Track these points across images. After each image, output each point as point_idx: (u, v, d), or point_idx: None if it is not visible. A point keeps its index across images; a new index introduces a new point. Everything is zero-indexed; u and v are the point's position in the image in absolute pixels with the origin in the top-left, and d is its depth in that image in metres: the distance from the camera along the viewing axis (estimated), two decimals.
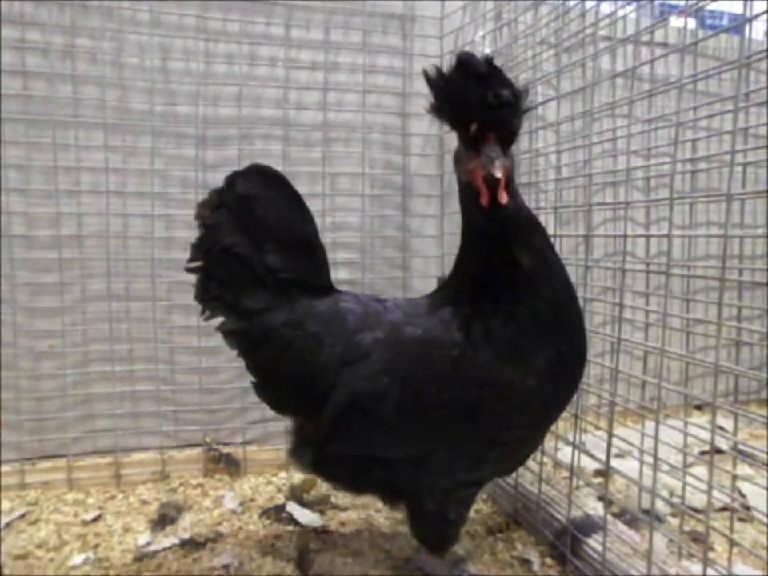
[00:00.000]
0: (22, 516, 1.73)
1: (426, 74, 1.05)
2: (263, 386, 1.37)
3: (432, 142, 2.20)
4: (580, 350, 1.22)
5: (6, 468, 1.87)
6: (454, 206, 2.13)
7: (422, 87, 2.20)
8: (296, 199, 1.38)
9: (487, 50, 1.90)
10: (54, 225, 1.88)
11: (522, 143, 1.88)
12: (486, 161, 1.02)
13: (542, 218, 1.97)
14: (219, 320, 1.37)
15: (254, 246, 1.32)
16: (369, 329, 1.26)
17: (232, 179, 1.34)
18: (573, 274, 1.98)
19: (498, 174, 1.01)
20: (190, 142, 1.96)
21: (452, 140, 2.14)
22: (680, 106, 1.16)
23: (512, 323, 1.14)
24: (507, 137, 1.05)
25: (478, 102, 0.99)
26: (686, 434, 1.55)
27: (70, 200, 1.90)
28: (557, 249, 1.67)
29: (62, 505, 1.81)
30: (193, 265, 1.35)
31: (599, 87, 1.45)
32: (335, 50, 2.06)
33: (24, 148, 1.85)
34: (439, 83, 1.04)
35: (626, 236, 1.40)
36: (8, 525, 1.68)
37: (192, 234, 1.89)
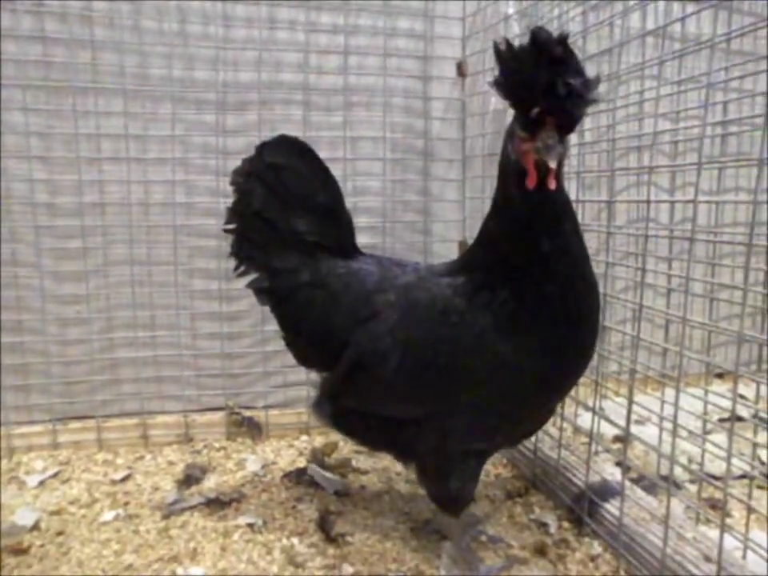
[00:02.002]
0: (55, 474, 1.79)
1: (495, 47, 1.00)
2: (290, 340, 1.48)
3: (454, 106, 2.16)
4: (585, 341, 1.21)
5: (38, 428, 1.93)
6: (476, 170, 2.14)
7: (444, 50, 2.18)
8: (321, 168, 1.45)
9: (511, 10, 1.84)
10: (76, 192, 1.90)
11: None
12: (542, 147, 1.00)
13: (565, 183, 1.97)
14: (250, 278, 1.47)
15: (282, 211, 1.42)
16: (382, 291, 1.33)
17: (261, 149, 1.43)
18: (595, 239, 1.97)
19: (553, 164, 0.99)
20: (210, 107, 1.95)
21: (473, 104, 2.12)
22: (711, 66, 1.13)
23: (516, 299, 1.15)
24: (567, 125, 1.01)
25: (545, 87, 0.95)
26: (706, 402, 1.55)
27: (91, 167, 1.91)
28: (579, 215, 1.67)
29: (93, 464, 1.87)
30: (228, 227, 1.46)
31: (627, 47, 1.41)
32: (355, 12, 2.02)
33: (45, 115, 1.86)
34: (508, 59, 0.99)
35: (648, 202, 1.37)
36: (42, 483, 1.75)
37: (213, 199, 1.91)
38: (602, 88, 1.02)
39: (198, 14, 1.92)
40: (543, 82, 0.94)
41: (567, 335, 1.16)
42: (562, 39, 0.95)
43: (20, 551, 1.41)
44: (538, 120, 0.99)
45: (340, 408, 1.37)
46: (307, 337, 1.43)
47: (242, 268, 1.46)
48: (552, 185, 1.05)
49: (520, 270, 1.14)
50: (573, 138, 1.74)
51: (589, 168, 1.72)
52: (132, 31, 1.88)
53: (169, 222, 1.96)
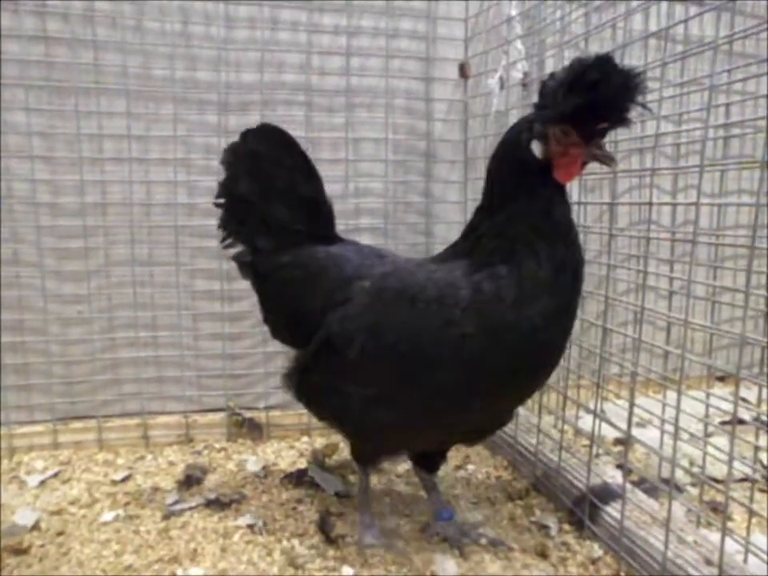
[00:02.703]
0: (56, 474, 1.79)
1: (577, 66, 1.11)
2: (267, 316, 1.57)
3: (456, 107, 2.16)
4: (545, 342, 1.22)
5: (39, 428, 1.93)
6: (478, 171, 2.13)
7: (446, 52, 2.19)
8: (302, 158, 1.51)
9: (513, 11, 1.84)
10: (78, 192, 1.90)
11: None
12: (599, 152, 1.16)
13: (566, 186, 1.97)
14: (236, 250, 1.58)
15: (264, 198, 1.50)
16: (359, 278, 1.39)
17: (244, 135, 1.50)
18: (597, 242, 1.97)
19: (612, 166, 1.20)
20: (212, 108, 1.95)
21: (476, 106, 2.12)
22: (714, 68, 1.12)
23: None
24: (604, 133, 1.17)
25: (619, 107, 1.10)
26: (707, 405, 1.54)
27: (94, 168, 1.91)
28: (581, 217, 1.66)
29: (93, 464, 1.87)
30: (218, 201, 1.54)
31: (630, 49, 1.40)
32: (358, 13, 2.02)
33: (47, 115, 1.86)
34: (605, 81, 1.08)
35: (650, 204, 1.37)
36: (42, 483, 1.75)
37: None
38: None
39: (200, 15, 1.92)
40: (620, 103, 1.09)
41: (530, 336, 1.18)
42: (639, 71, 1.08)
43: (20, 551, 1.41)
44: (595, 131, 1.14)
45: (303, 381, 1.47)
46: (283, 315, 1.53)
47: (229, 240, 1.56)
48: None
49: (503, 259, 1.20)
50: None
51: (590, 170, 1.72)
52: (134, 31, 1.88)
53: (171, 223, 1.96)
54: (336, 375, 1.39)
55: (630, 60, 1.43)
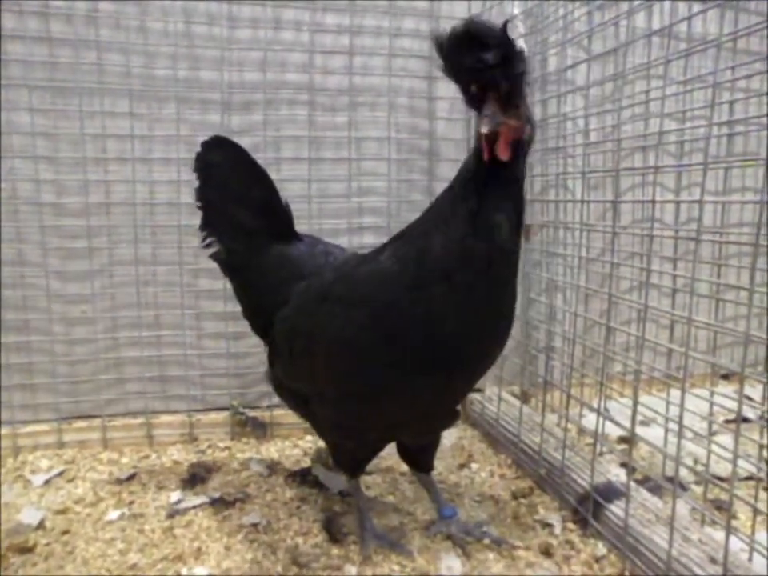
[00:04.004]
0: (60, 473, 1.80)
1: (434, 40, 1.06)
2: (242, 311, 1.69)
3: (459, 105, 2.15)
4: (464, 344, 1.17)
5: (43, 427, 1.94)
6: None
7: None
8: (251, 165, 1.60)
9: (516, 10, 1.84)
10: (82, 192, 1.90)
11: (550, 108, 1.84)
12: (480, 119, 1.06)
13: (569, 183, 1.97)
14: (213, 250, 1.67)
15: (224, 203, 1.61)
16: (300, 277, 1.44)
17: (203, 146, 1.62)
18: (600, 239, 1.97)
19: (483, 130, 1.04)
20: (215, 107, 1.96)
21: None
22: (718, 65, 1.12)
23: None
24: (507, 97, 1.06)
25: (468, 65, 1.03)
26: (711, 403, 1.54)
27: (97, 168, 1.92)
28: (584, 215, 1.66)
29: (98, 464, 1.87)
30: (197, 204, 1.65)
31: (633, 47, 1.40)
32: (360, 12, 2.02)
33: (52, 116, 1.86)
34: (441, 48, 1.06)
35: (654, 202, 1.37)
36: (47, 482, 1.75)
37: None
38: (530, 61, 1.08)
39: (203, 15, 1.92)
40: (470, 61, 1.01)
41: (439, 339, 1.15)
42: (472, 21, 1.03)
43: (25, 550, 1.42)
44: (481, 98, 1.06)
45: (273, 377, 1.55)
46: (249, 312, 1.66)
47: (207, 241, 1.66)
48: (502, 154, 1.09)
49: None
50: (578, 139, 1.75)
51: (594, 168, 1.72)
52: (137, 32, 1.88)
53: (174, 222, 1.96)
54: (284, 374, 1.48)
55: (634, 58, 1.43)
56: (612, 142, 1.49)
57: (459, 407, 1.46)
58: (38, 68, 1.83)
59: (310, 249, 1.57)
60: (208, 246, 1.66)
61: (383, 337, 1.17)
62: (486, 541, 1.46)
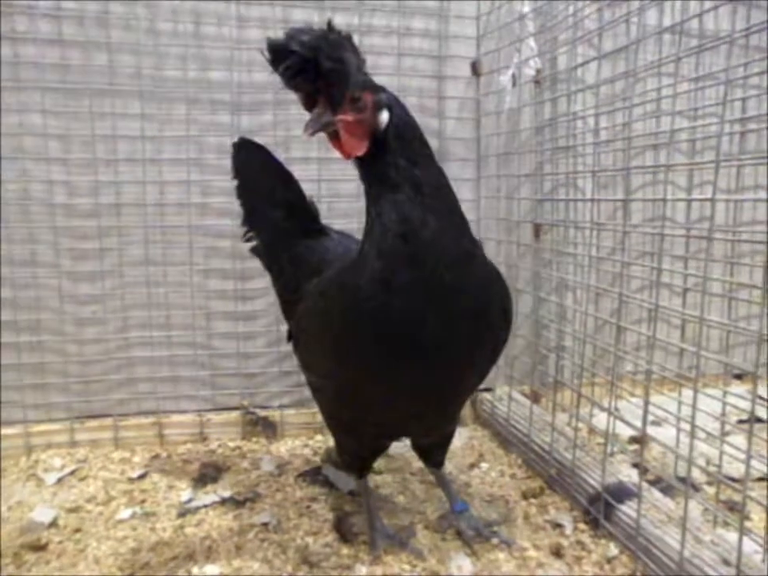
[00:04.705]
0: (73, 472, 1.81)
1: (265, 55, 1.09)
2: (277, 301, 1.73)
3: (468, 105, 2.16)
4: (436, 339, 1.12)
5: (56, 426, 1.95)
6: (491, 169, 2.13)
7: (459, 49, 2.18)
8: (277, 167, 1.65)
9: (526, 9, 1.84)
10: (93, 193, 1.92)
11: (560, 106, 1.83)
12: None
13: (579, 182, 1.96)
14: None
15: (255, 202, 1.67)
16: (318, 273, 1.44)
17: (233, 147, 1.67)
18: (610, 239, 1.96)
19: (303, 135, 1.09)
20: (225, 108, 1.96)
21: (488, 103, 2.11)
22: (730, 62, 1.11)
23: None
24: (333, 94, 1.08)
25: (285, 77, 1.06)
26: (724, 403, 1.53)
27: (108, 168, 1.93)
28: (594, 213, 1.65)
29: (109, 462, 1.89)
30: (238, 201, 1.70)
31: (644, 44, 1.39)
32: (369, 12, 2.02)
33: (64, 118, 1.88)
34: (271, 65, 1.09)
35: (665, 200, 1.36)
36: (60, 480, 1.77)
37: (228, 199, 1.95)
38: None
39: (212, 16, 1.93)
40: (280, 75, 1.06)
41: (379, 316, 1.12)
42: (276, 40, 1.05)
43: (38, 548, 1.43)
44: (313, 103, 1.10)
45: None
46: (282, 307, 1.68)
47: (247, 236, 1.73)
48: (354, 150, 1.11)
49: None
50: (588, 137, 1.74)
51: (604, 167, 1.71)
52: (148, 33, 1.89)
53: (184, 223, 1.97)
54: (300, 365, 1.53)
55: (645, 55, 1.42)
56: (623, 140, 1.48)
57: (455, 413, 1.45)
58: (49, 70, 1.85)
59: (333, 245, 1.59)
60: (248, 240, 1.74)
61: (345, 337, 1.19)
62: (494, 541, 1.45)
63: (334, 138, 1.12)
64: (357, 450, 1.45)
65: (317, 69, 1.04)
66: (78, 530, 1.51)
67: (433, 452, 1.53)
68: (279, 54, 1.04)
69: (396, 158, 1.12)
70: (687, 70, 1.46)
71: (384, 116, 1.12)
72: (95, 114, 1.87)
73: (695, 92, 1.47)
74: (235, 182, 1.68)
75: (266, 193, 1.65)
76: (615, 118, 1.65)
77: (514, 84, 1.94)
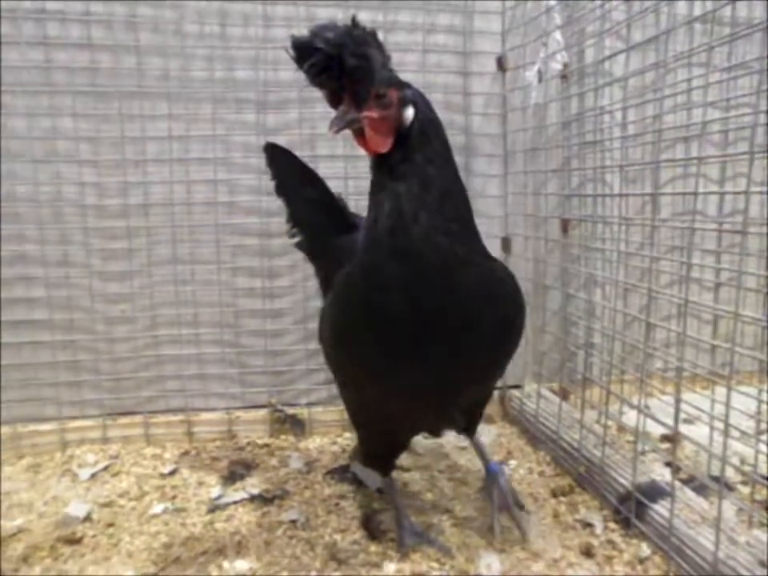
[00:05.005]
0: (106, 468, 1.84)
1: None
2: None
3: (494, 101, 2.14)
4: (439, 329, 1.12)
5: (89, 422, 1.99)
6: (518, 165, 2.12)
7: (484, 45, 2.16)
8: (301, 166, 1.68)
9: (552, 2, 1.81)
10: (122, 194, 1.95)
11: (587, 101, 1.81)
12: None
13: (607, 177, 1.93)
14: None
15: (290, 201, 1.71)
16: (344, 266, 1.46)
17: (264, 150, 1.70)
18: (639, 233, 1.93)
19: (328, 133, 1.08)
20: (251, 107, 1.98)
21: (514, 99, 2.10)
22: (764, 51, 1.08)
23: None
24: (358, 91, 1.08)
25: (310, 75, 1.07)
26: (759, 401, 1.49)
27: (137, 169, 1.95)
28: (622, 208, 1.63)
29: (141, 458, 1.91)
30: (280, 200, 1.73)
31: (674, 35, 1.36)
32: (394, 9, 2.02)
33: (94, 120, 1.91)
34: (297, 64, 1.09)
35: (696, 193, 1.33)
36: (93, 476, 1.80)
37: (254, 197, 1.96)
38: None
39: (238, 16, 1.95)
40: (305, 73, 1.06)
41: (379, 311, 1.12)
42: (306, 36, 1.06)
43: (73, 541, 1.46)
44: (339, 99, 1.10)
45: None
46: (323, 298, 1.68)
47: (291, 232, 1.76)
48: (378, 146, 1.12)
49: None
50: (616, 132, 1.71)
51: (633, 161, 1.68)
52: (175, 35, 1.91)
53: (211, 221, 1.99)
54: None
55: (675, 46, 1.39)
56: (652, 133, 1.45)
57: (477, 411, 1.47)
58: (80, 74, 1.88)
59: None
60: (293, 236, 1.77)
61: (340, 330, 1.24)
62: (515, 513, 1.47)
63: (359, 134, 1.12)
64: (376, 448, 1.45)
65: (341, 66, 1.04)
66: (111, 525, 1.54)
67: (468, 424, 1.53)
68: (304, 52, 1.04)
69: (414, 153, 1.12)
70: (719, 60, 1.43)
71: (409, 112, 1.12)
72: (124, 116, 1.90)
73: (728, 82, 1.45)
74: (273, 182, 1.71)
75: (297, 191, 1.68)
76: (644, 111, 1.62)
77: (540, 79, 1.92)
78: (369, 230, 1.15)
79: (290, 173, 1.69)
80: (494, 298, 1.17)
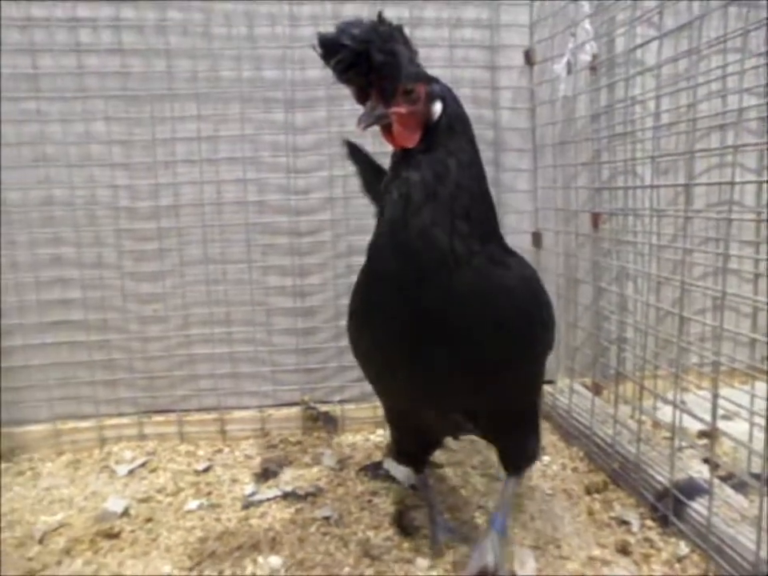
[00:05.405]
0: (143, 464, 1.88)
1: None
2: None
3: (523, 94, 2.12)
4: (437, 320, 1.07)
5: (125, 420, 2.03)
6: (547, 159, 2.09)
7: (510, 39, 2.13)
8: (372, 165, 1.63)
9: None
10: (153, 196, 1.98)
11: (618, 91, 1.78)
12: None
13: (638, 169, 1.90)
14: None
15: (365, 191, 1.69)
16: None
17: (347, 148, 1.69)
18: (672, 225, 1.89)
19: (356, 129, 1.06)
20: (279, 106, 1.99)
21: (542, 92, 2.07)
22: None
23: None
24: (385, 87, 1.06)
25: (337, 70, 1.04)
26: None
27: (167, 171, 1.98)
28: (654, 200, 1.59)
29: (176, 455, 1.95)
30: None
31: (708, 20, 1.33)
32: (420, 4, 2.01)
33: (125, 124, 1.94)
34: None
35: (732, 183, 1.30)
36: (131, 472, 1.84)
37: (284, 196, 1.96)
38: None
39: (265, 17, 1.96)
40: (334, 68, 1.03)
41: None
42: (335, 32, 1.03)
43: (112, 535, 1.49)
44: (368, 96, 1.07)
45: None
46: None
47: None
48: (406, 141, 1.10)
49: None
50: (647, 122, 1.68)
51: (666, 151, 1.65)
52: (203, 37, 1.94)
53: (241, 221, 2.01)
54: None
55: (709, 32, 1.36)
56: (686, 122, 1.42)
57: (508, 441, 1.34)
58: (111, 78, 1.92)
59: None
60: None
61: (358, 320, 1.21)
62: None
63: (387, 130, 1.11)
64: (406, 444, 1.44)
65: (368, 62, 1.03)
66: (149, 520, 1.57)
67: (501, 453, 1.38)
68: (331, 49, 1.03)
69: (437, 145, 1.10)
70: (756, 45, 1.39)
71: (437, 107, 1.11)
72: (155, 118, 1.93)
73: (765, 67, 1.40)
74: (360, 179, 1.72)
75: (367, 183, 1.68)
76: (678, 100, 1.59)
77: (569, 71, 1.89)
78: (377, 221, 1.14)
79: (361, 169, 1.69)
80: (488, 305, 1.08)
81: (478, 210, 1.11)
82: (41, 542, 1.49)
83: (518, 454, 1.36)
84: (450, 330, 1.07)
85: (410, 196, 1.07)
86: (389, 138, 1.12)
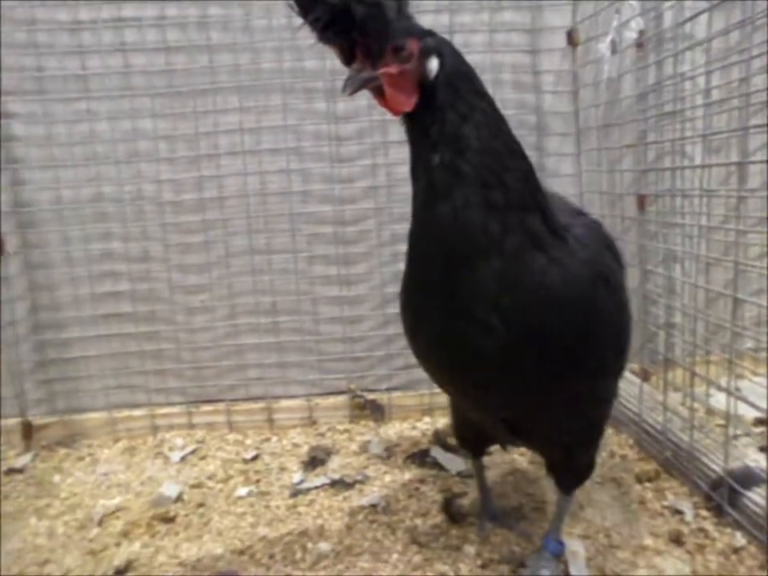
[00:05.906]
0: (193, 452, 1.93)
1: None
2: None
3: (565, 78, 2.07)
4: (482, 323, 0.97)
5: (175, 409, 2.09)
6: (591, 142, 2.05)
7: (552, 20, 2.09)
8: None
9: None
10: (197, 189, 2.01)
11: (666, 68, 1.72)
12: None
13: (687, 149, 1.83)
14: None
15: None
16: None
17: None
18: (722, 206, 1.81)
19: (343, 93, 0.97)
20: (320, 95, 2.00)
21: (585, 74, 2.02)
22: None
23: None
24: (370, 46, 0.94)
25: (317, 28, 0.93)
26: None
27: (210, 163, 2.01)
28: (704, 180, 1.53)
29: (225, 444, 1.99)
30: None
31: None
32: None
33: (170, 119, 1.98)
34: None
35: None
36: (183, 458, 1.89)
37: (328, 186, 1.96)
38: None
39: None
40: (311, 27, 0.92)
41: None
42: None
43: (168, 519, 1.54)
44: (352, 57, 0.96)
45: None
46: None
47: None
48: (402, 105, 0.99)
49: None
50: (697, 99, 1.62)
51: (717, 129, 1.59)
52: (244, 31, 1.95)
53: (286, 211, 2.03)
54: None
55: (762, 1, 1.30)
56: (739, 97, 1.37)
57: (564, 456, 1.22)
58: (156, 76, 1.96)
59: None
60: None
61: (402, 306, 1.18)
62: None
63: (379, 94, 0.99)
64: (462, 428, 1.43)
65: (350, 17, 0.89)
66: (201, 505, 1.61)
67: (553, 470, 1.26)
68: (306, 5, 0.90)
69: (444, 112, 0.97)
70: None
71: (433, 64, 0.98)
72: (198, 113, 1.97)
73: None
74: None
75: None
76: (730, 75, 1.53)
77: (614, 51, 1.84)
78: (412, 207, 1.05)
79: None
80: (519, 310, 0.96)
81: (511, 169, 0.99)
82: (100, 524, 1.55)
83: (567, 474, 1.26)
84: (477, 329, 0.97)
85: (434, 181, 0.97)
86: (382, 103, 1.00)
